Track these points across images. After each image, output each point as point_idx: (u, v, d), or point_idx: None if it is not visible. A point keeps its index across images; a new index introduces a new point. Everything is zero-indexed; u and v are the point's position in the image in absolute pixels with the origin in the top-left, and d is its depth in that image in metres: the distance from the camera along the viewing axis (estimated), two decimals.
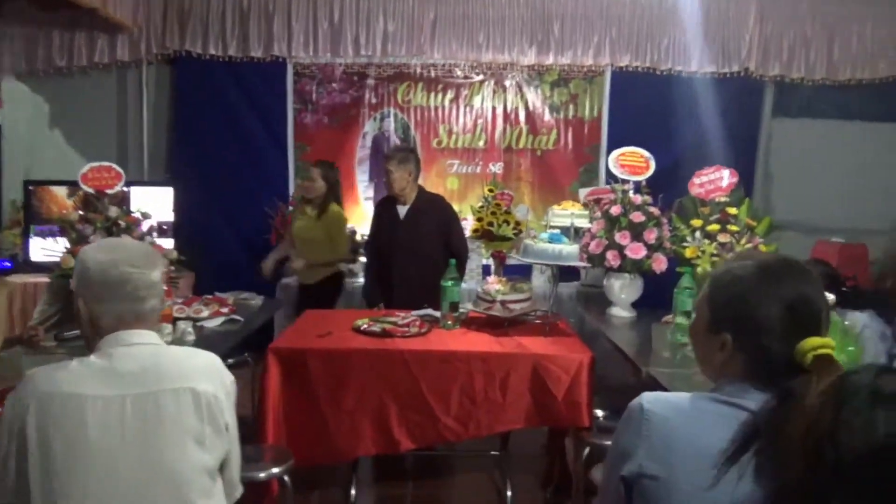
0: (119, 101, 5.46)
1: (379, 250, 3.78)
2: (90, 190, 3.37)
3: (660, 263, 3.31)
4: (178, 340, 2.74)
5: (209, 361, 1.55)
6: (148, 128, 5.40)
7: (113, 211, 3.25)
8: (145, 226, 3.45)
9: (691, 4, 5.21)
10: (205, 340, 2.81)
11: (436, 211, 3.71)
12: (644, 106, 5.28)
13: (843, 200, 5.39)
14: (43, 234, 4.86)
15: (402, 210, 3.71)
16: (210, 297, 3.33)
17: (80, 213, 3.36)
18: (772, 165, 5.55)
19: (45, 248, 4.64)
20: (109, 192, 3.38)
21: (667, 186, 3.64)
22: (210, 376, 1.50)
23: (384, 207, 3.81)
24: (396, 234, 3.70)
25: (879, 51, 5.30)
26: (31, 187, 4.80)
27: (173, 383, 1.42)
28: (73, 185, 4.90)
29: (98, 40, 5.16)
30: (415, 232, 3.66)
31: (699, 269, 3.31)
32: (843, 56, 5.31)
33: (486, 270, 4.96)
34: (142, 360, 1.43)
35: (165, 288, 1.58)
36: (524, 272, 5.03)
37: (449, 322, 3.04)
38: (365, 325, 2.95)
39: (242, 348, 3.45)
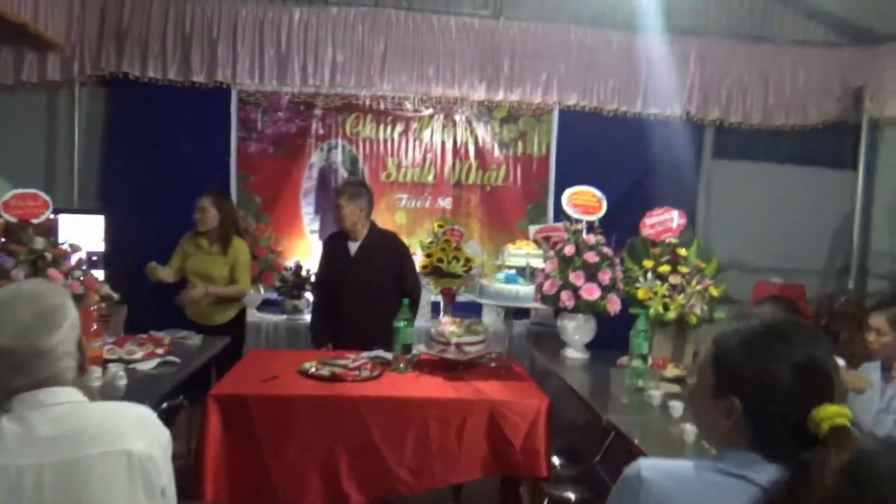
0: (48, 122, 5.15)
1: (328, 287, 3.65)
2: (13, 219, 3.11)
3: (614, 305, 3.30)
4: (108, 385, 2.53)
5: (141, 416, 1.40)
6: (79, 152, 5.10)
7: (38, 242, 3.00)
8: (74, 259, 3.19)
9: (635, 48, 5.35)
10: (138, 385, 2.61)
11: (388, 248, 3.61)
12: (591, 144, 5.35)
13: (780, 241, 5.57)
14: None
15: (353, 246, 3.60)
16: (144, 336, 3.12)
17: (2, 241, 3.10)
18: (712, 206, 5.70)
19: None
20: (35, 221, 3.12)
21: (612, 225, 3.65)
22: (143, 433, 1.35)
23: (334, 243, 3.69)
24: (346, 271, 3.59)
25: (810, 98, 5.55)
26: None
27: (100, 446, 1.27)
28: None
29: (27, 57, 4.86)
30: (366, 269, 3.55)
31: (651, 311, 3.32)
32: (777, 102, 5.53)
33: (434, 307, 4.87)
34: (62, 423, 1.27)
35: (79, 334, 1.40)
36: (473, 310, 4.95)
37: (402, 365, 2.93)
38: (313, 369, 2.80)
39: (177, 390, 3.23)
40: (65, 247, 3.15)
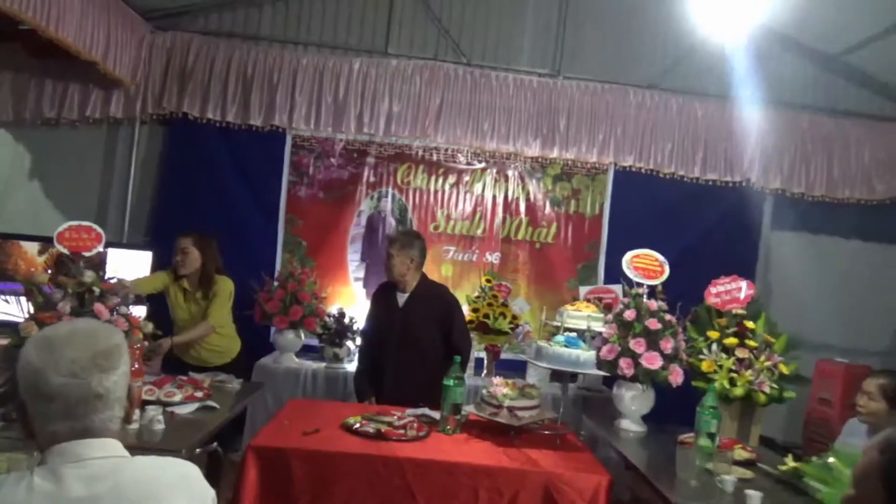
0: (106, 158, 5.23)
1: (374, 339, 3.52)
2: (65, 251, 3.03)
3: (676, 376, 3.10)
4: (145, 429, 2.42)
5: (184, 475, 1.27)
6: (133, 188, 5.15)
7: (88, 276, 2.89)
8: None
9: (695, 113, 5.26)
10: (176, 429, 2.49)
11: (437, 301, 3.48)
12: (645, 207, 5.22)
13: (841, 319, 5.30)
14: (5, 293, 4.51)
15: (402, 297, 3.49)
16: (184, 378, 3.01)
17: (50, 272, 3.04)
18: (770, 278, 5.47)
19: (6, 310, 4.32)
20: (86, 254, 3.03)
21: (664, 291, 3.47)
22: (187, 495, 1.22)
23: (382, 293, 3.59)
24: (393, 323, 3.46)
25: (877, 173, 5.35)
26: None
27: None
28: (45, 242, 4.61)
29: (92, 94, 4.97)
30: (413, 322, 3.43)
31: (717, 385, 3.10)
32: (841, 174, 5.34)
33: (478, 364, 4.71)
34: (97, 481, 1.15)
35: (130, 381, 1.28)
36: (515, 367, 4.80)
37: (449, 427, 2.76)
38: (357, 425, 2.65)
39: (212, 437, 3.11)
40: (113, 282, 3.08)
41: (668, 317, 3.22)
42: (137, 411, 2.45)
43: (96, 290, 2.87)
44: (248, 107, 5.03)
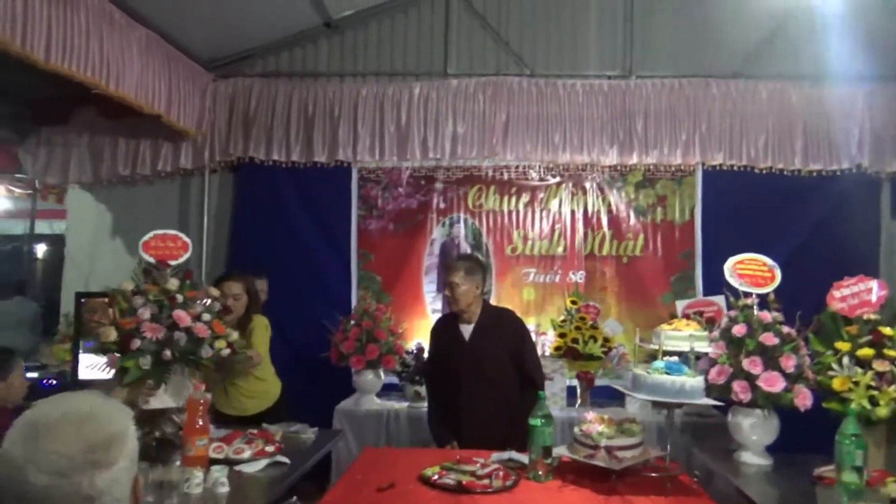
0: (181, 208, 5.28)
1: (442, 378, 3.25)
2: (150, 259, 2.96)
3: (804, 398, 2.66)
4: (207, 493, 2.24)
5: None
6: (207, 236, 5.16)
7: (172, 283, 2.79)
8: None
9: (789, 98, 4.75)
10: (242, 491, 2.30)
11: (505, 328, 3.19)
12: (742, 207, 4.74)
13: None
14: (93, 351, 4.56)
15: (467, 329, 3.21)
16: (254, 432, 2.84)
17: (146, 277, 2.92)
18: None
19: (94, 365, 4.36)
20: (173, 262, 2.96)
21: (778, 299, 3.02)
22: None
23: (444, 327, 3.32)
24: (461, 358, 3.17)
25: None
26: (82, 300, 4.54)
27: None
28: None
29: (162, 148, 5.05)
30: (483, 355, 3.14)
31: (853, 406, 2.63)
32: None
33: (570, 393, 4.35)
34: None
35: (136, 476, 1.06)
36: (611, 395, 4.39)
37: (540, 473, 2.44)
38: (436, 476, 2.37)
39: (290, 490, 2.92)
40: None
41: (785, 329, 2.79)
42: (201, 474, 2.28)
43: (180, 297, 2.77)
44: (311, 144, 4.96)
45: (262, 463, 2.57)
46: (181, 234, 3.10)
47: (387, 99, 4.94)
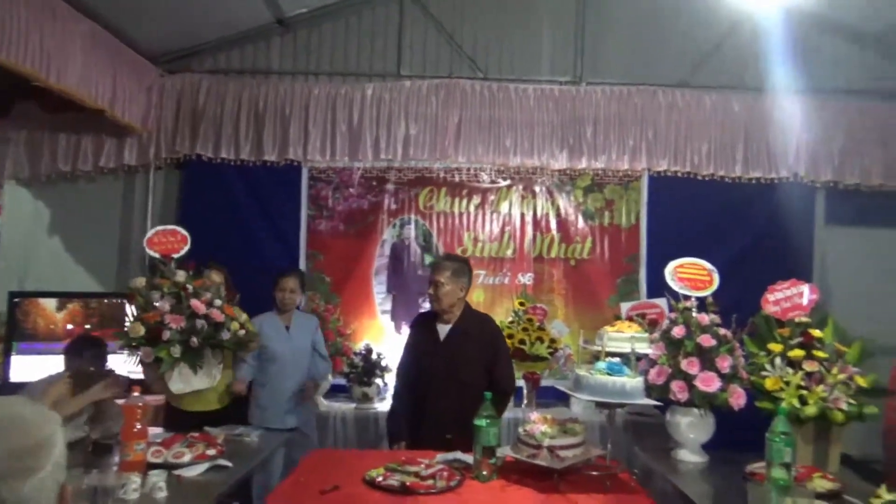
0: (124, 206, 5.15)
1: (412, 375, 3.22)
2: (156, 255, 3.17)
3: (738, 398, 2.75)
4: (145, 499, 2.18)
5: None
6: None
7: (179, 275, 3.00)
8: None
9: (732, 108, 4.92)
10: (181, 495, 2.25)
11: (482, 334, 3.17)
12: (685, 212, 4.89)
13: None
14: (27, 352, 4.41)
15: (443, 329, 3.19)
16: (195, 435, 2.78)
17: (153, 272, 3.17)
18: (828, 278, 5.03)
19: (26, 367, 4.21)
20: (175, 256, 3.17)
21: (716, 302, 3.12)
22: None
23: (422, 325, 3.29)
24: (434, 358, 3.15)
25: None
26: (16, 299, 4.38)
27: None
28: (64, 297, 4.51)
29: (105, 144, 4.90)
30: (455, 356, 3.12)
31: (784, 405, 2.74)
32: None
33: (516, 393, 4.39)
34: None
35: (63, 482, 1.03)
36: (557, 396, 4.47)
37: (484, 472, 2.46)
38: (380, 478, 2.37)
39: (230, 496, 2.87)
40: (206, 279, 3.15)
41: (722, 331, 2.88)
42: (138, 479, 2.22)
43: (190, 287, 2.96)
44: (261, 142, 4.90)
45: (203, 466, 2.52)
46: (179, 229, 3.32)
47: (339, 98, 4.92)
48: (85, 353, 2.95)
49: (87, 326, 4.44)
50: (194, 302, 2.87)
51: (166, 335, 2.75)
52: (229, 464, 2.58)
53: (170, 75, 4.99)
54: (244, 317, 3.15)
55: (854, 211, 5.09)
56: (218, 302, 2.98)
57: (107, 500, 2.10)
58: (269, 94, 4.93)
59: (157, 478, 2.25)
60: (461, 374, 3.09)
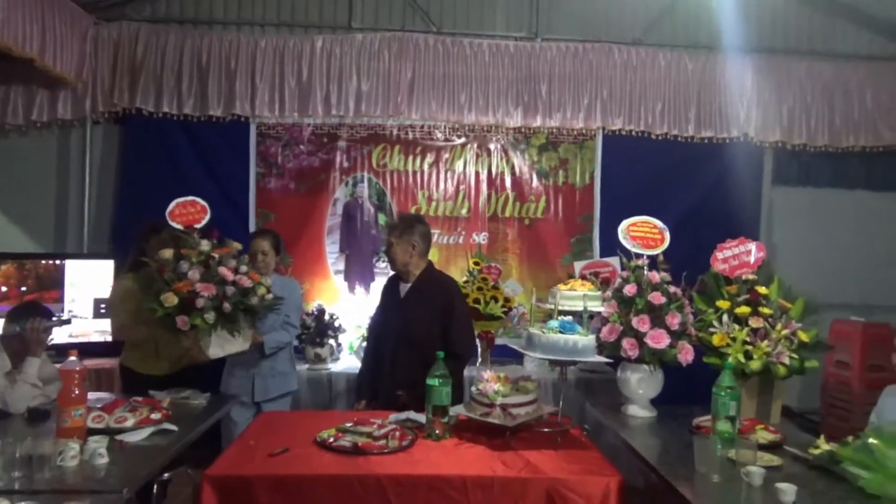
0: (60, 163, 4.89)
1: (376, 335, 3.29)
2: (178, 226, 3.21)
3: (686, 353, 2.79)
4: (86, 465, 2.10)
5: None
6: (90, 193, 4.81)
7: (204, 245, 3.02)
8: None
9: (685, 67, 4.92)
10: (123, 461, 2.17)
11: (437, 295, 3.13)
12: (638, 172, 4.90)
13: (853, 275, 5.02)
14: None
15: (404, 289, 3.19)
16: (139, 399, 2.69)
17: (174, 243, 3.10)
18: (775, 237, 5.16)
19: None
20: (197, 226, 3.22)
21: (666, 260, 3.15)
22: None
23: (389, 285, 3.31)
24: (393, 316, 3.16)
25: (882, 117, 5.02)
26: None
27: None
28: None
29: (37, 96, 4.62)
30: (411, 316, 3.10)
31: (730, 360, 2.80)
32: (844, 122, 5.02)
33: None
34: None
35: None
36: (511, 355, 4.48)
37: (437, 431, 2.46)
38: (331, 439, 2.34)
39: (179, 459, 2.81)
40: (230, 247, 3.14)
41: (672, 289, 2.91)
42: (76, 446, 2.14)
43: (216, 256, 2.98)
44: (206, 97, 4.69)
45: (147, 431, 2.44)
46: (198, 199, 3.39)
47: (287, 52, 4.73)
48: (26, 321, 2.80)
49: (23, 289, 4.23)
50: (222, 269, 2.93)
51: (200, 303, 2.81)
52: (174, 428, 2.51)
53: (105, 23, 4.70)
54: (269, 281, 3.21)
55: (800, 171, 5.21)
56: (244, 268, 3.04)
57: (43, 468, 2.01)
58: (212, 46, 4.70)
59: (97, 444, 2.16)
60: (414, 334, 3.07)
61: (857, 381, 4.40)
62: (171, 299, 2.81)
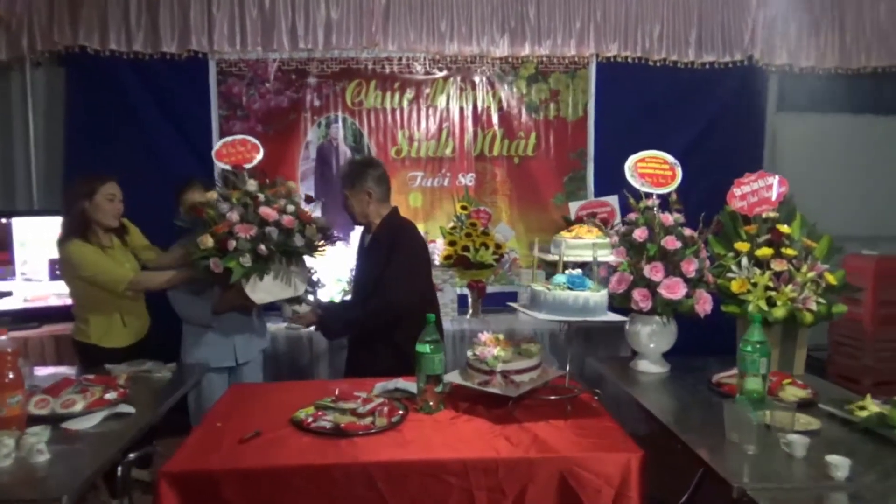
0: (0, 110, 4.41)
1: (352, 290, 3.17)
2: (226, 166, 3.00)
3: (704, 303, 2.51)
4: (22, 462, 1.79)
5: None
6: (36, 144, 4.36)
7: (250, 184, 2.84)
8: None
9: None
10: (66, 457, 1.86)
11: (384, 243, 2.83)
12: (636, 102, 4.54)
13: (864, 206, 4.75)
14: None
15: (367, 239, 2.97)
16: (90, 377, 2.38)
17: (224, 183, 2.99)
18: (779, 167, 4.84)
19: None
20: (247, 166, 3.00)
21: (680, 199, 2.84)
22: None
23: (361, 236, 3.09)
24: (357, 269, 3.02)
25: (895, 33, 4.66)
26: None
27: None
28: None
29: None
30: (362, 269, 2.96)
31: (751, 308, 2.53)
32: (855, 40, 4.65)
33: (461, 302, 4.13)
34: None
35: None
36: (504, 302, 4.21)
37: (430, 403, 2.17)
38: (309, 419, 2.05)
39: (149, 436, 2.52)
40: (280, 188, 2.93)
41: (687, 231, 2.61)
42: (11, 441, 1.82)
43: (261, 196, 2.81)
44: (157, 30, 4.22)
45: (99, 416, 2.13)
46: (249, 138, 3.15)
47: None
48: None
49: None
50: (263, 209, 2.74)
51: (232, 245, 2.64)
52: (132, 410, 2.20)
53: None
54: (322, 221, 3.03)
55: (806, 96, 4.86)
56: (291, 208, 2.82)
57: None
58: None
59: (36, 437, 1.85)
60: (364, 290, 2.88)
61: (871, 318, 4.19)
62: (206, 241, 2.67)
